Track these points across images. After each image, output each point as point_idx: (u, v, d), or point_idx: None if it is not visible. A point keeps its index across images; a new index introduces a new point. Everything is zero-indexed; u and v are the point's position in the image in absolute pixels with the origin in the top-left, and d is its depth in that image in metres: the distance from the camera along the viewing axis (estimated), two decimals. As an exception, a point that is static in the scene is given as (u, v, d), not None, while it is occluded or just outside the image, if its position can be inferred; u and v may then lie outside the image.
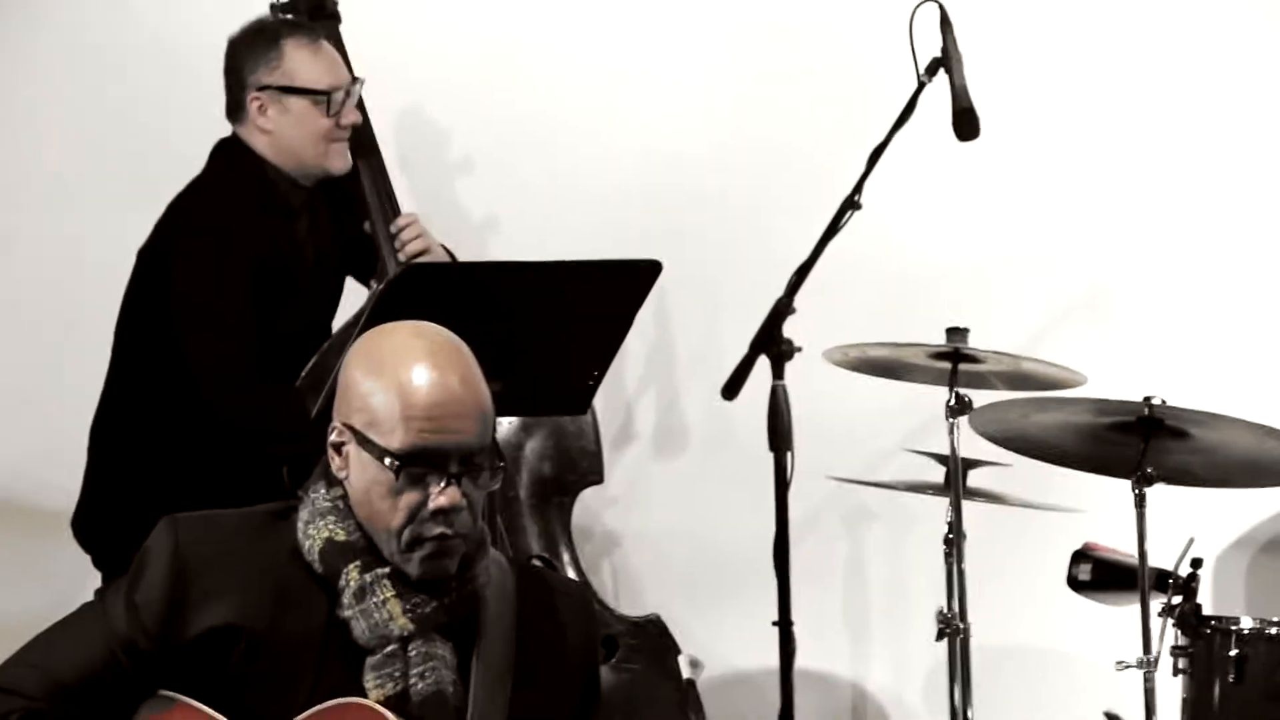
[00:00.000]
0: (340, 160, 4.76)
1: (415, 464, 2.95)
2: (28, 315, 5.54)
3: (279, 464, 3.39)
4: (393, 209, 4.88)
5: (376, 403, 2.97)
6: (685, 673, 4.94)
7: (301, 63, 4.72)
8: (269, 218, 4.71)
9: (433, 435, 2.95)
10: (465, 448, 2.96)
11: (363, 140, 4.86)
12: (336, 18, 4.97)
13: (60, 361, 5.37)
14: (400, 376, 2.97)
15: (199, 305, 4.58)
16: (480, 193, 5.59)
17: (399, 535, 2.97)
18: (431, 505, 2.95)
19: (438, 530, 2.96)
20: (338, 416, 3.04)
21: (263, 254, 4.65)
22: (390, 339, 3.08)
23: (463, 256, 5.00)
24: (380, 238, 4.85)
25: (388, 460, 2.95)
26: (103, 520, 4.71)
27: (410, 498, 2.97)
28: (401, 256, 4.77)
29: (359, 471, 3.00)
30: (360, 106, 4.84)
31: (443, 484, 2.95)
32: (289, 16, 4.93)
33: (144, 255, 4.73)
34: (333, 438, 3.04)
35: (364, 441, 2.98)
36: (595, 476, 5.31)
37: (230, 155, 4.76)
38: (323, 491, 3.05)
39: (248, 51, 4.74)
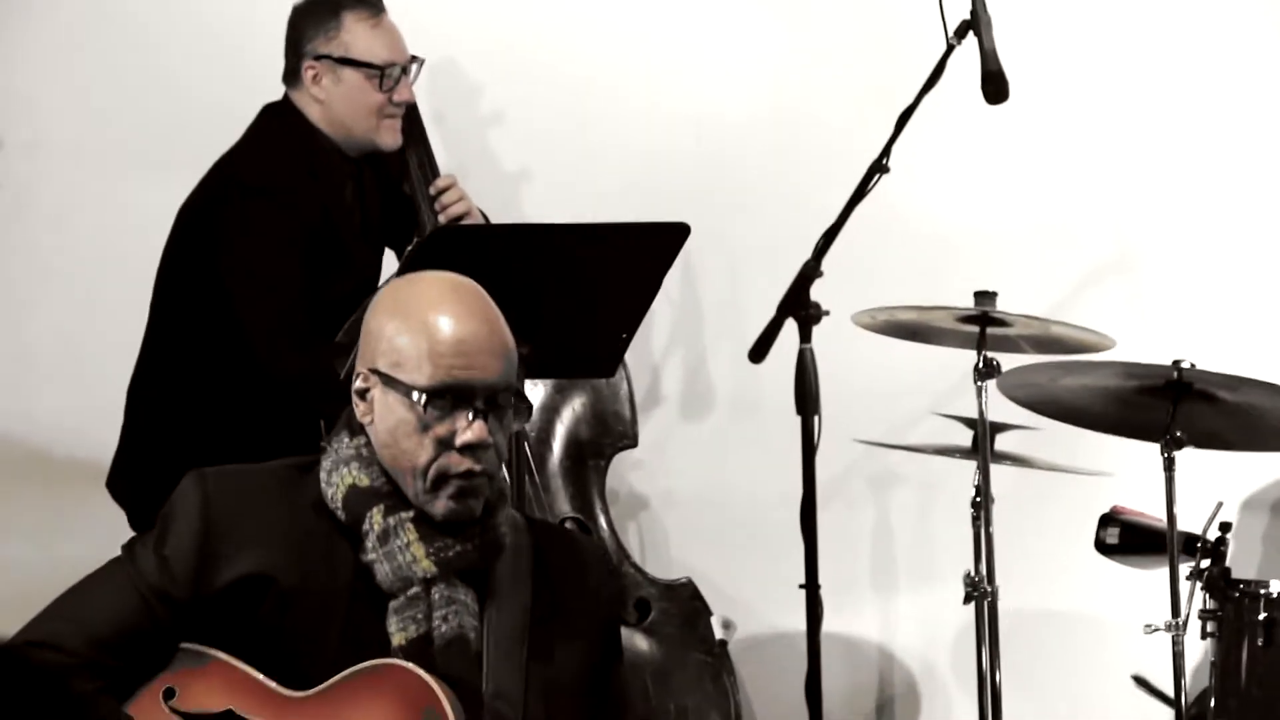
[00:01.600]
0: (391, 136, 4.80)
1: (442, 398, 2.99)
2: (67, 277, 5.54)
3: (322, 419, 3.41)
4: (432, 170, 4.90)
5: (402, 343, 3.01)
6: (718, 634, 5.02)
7: (359, 35, 4.75)
8: (318, 184, 4.74)
9: (460, 371, 2.99)
10: (490, 385, 3.00)
11: (425, 167, 4.92)
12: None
13: (97, 321, 5.37)
14: (426, 317, 3.01)
15: (254, 267, 4.62)
16: (512, 148, 5.59)
17: (425, 472, 3.01)
18: (459, 439, 2.98)
19: (465, 465, 2.99)
20: (362, 364, 3.07)
21: (313, 219, 4.69)
22: (414, 285, 3.13)
23: (493, 211, 5.02)
24: (420, 199, 4.88)
25: (415, 395, 2.99)
26: (139, 478, 4.75)
27: (437, 432, 2.99)
28: (442, 218, 4.81)
29: (384, 413, 3.03)
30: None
31: (470, 418, 2.98)
32: None
33: (187, 213, 4.78)
34: (357, 384, 3.07)
35: (390, 382, 3.01)
36: (629, 441, 5.32)
37: (282, 119, 4.79)
38: (346, 440, 3.08)
39: (308, 19, 4.78)
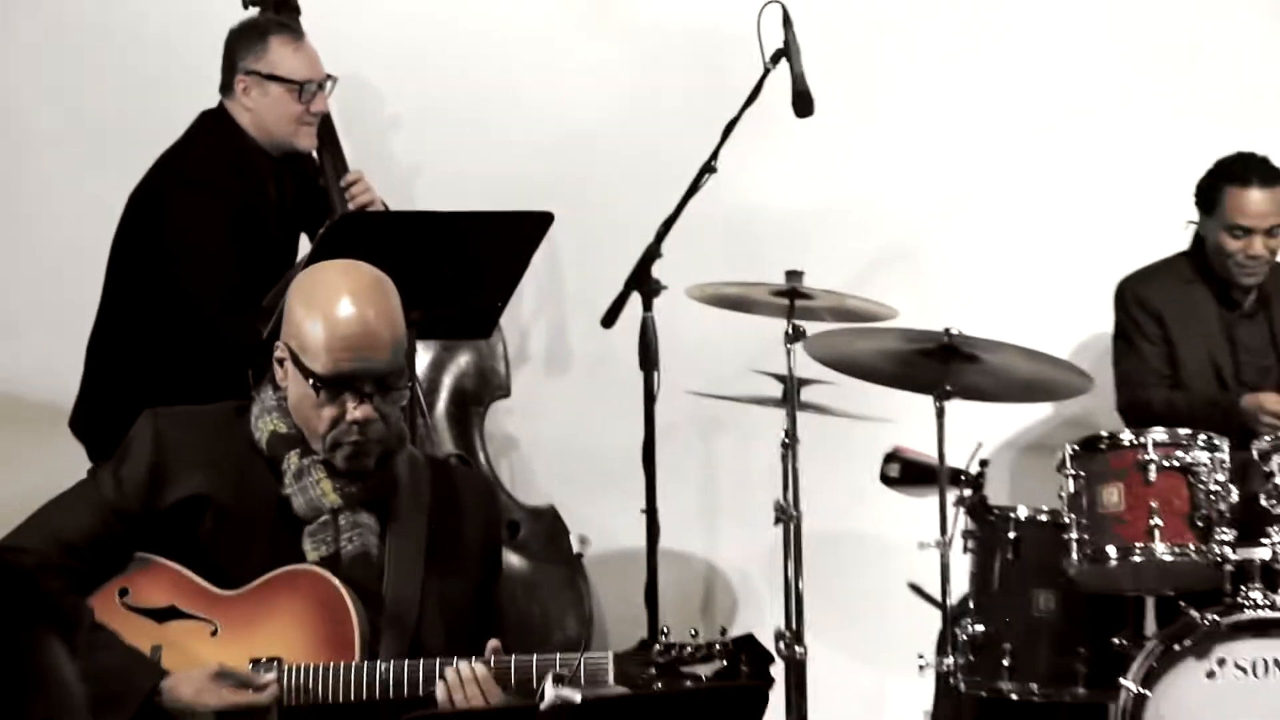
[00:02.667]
0: (308, 140, 4.80)
1: (333, 386, 3.08)
2: (40, 251, 5.52)
3: (250, 369, 3.46)
4: (343, 167, 4.88)
5: (306, 331, 3.09)
6: (576, 548, 5.08)
7: (284, 56, 4.75)
8: (245, 179, 4.74)
9: (349, 364, 3.06)
10: (378, 372, 3.07)
11: (336, 161, 4.90)
12: (297, 9, 4.99)
13: (64, 288, 5.27)
14: (325, 311, 3.07)
15: (192, 244, 4.61)
16: (409, 147, 5.58)
17: (324, 438, 3.11)
18: (348, 418, 3.08)
19: (353, 438, 3.09)
20: (282, 336, 3.15)
21: (239, 207, 4.69)
22: (322, 276, 3.17)
23: (394, 202, 5.02)
24: (332, 191, 4.84)
25: (312, 381, 3.08)
26: (96, 419, 4.74)
27: (330, 411, 3.09)
28: (351, 206, 4.79)
29: (294, 384, 3.13)
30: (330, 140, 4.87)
31: (358, 402, 3.07)
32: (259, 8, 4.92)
33: (135, 199, 4.75)
34: (277, 353, 3.15)
35: (297, 362, 3.11)
36: (504, 391, 5.33)
37: (217, 123, 4.78)
38: (270, 392, 3.18)
39: (241, 40, 4.79)
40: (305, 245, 4.92)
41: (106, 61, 5.42)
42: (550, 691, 2.54)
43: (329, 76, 4.84)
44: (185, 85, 5.00)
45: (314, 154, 4.88)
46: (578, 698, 2.54)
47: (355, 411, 3.07)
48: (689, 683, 3.02)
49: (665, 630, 3.11)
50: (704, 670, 3.01)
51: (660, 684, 3.02)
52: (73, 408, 4.83)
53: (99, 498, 3.15)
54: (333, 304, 3.07)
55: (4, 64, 5.56)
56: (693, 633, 3.08)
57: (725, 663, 3.02)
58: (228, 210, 4.66)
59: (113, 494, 3.14)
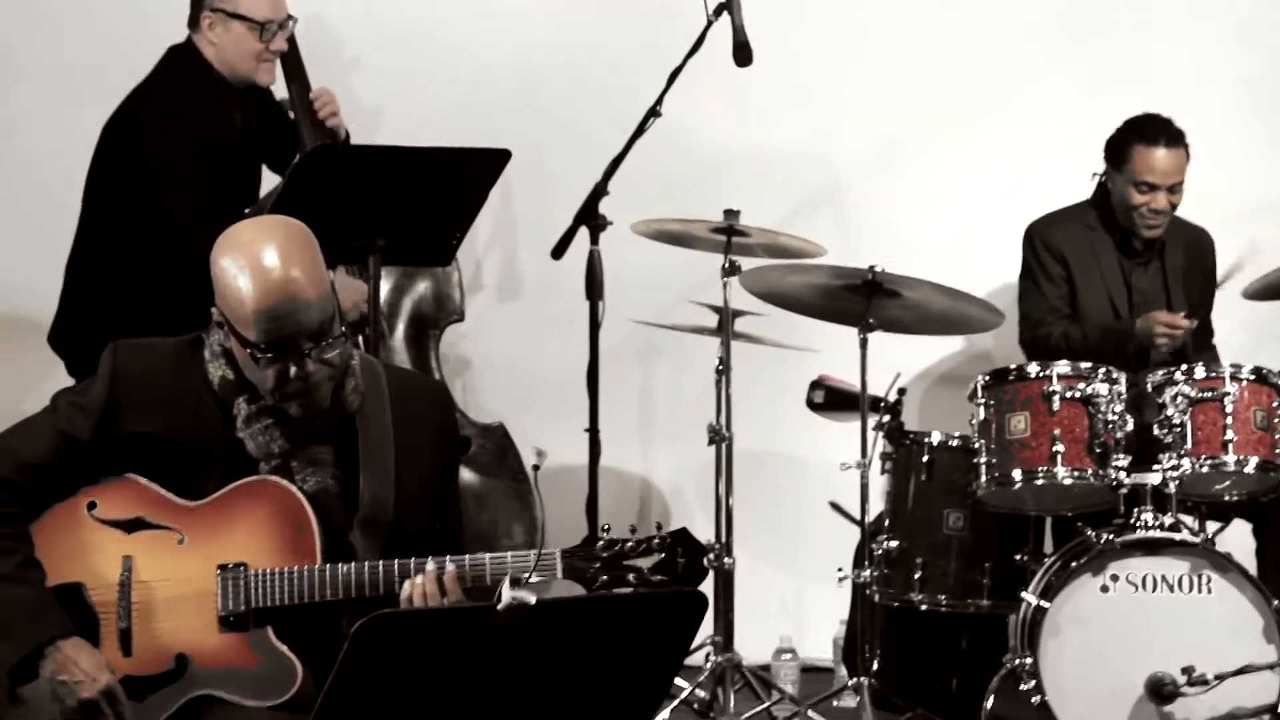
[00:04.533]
0: (267, 75, 4.75)
1: (270, 351, 2.94)
2: (23, 175, 5.44)
3: None
4: (308, 89, 4.84)
5: (233, 301, 2.94)
6: (533, 460, 5.10)
7: None
8: (211, 108, 4.69)
9: (279, 330, 2.92)
10: (309, 329, 2.93)
11: (303, 92, 4.83)
12: None
13: (45, 212, 5.20)
14: (250, 281, 2.91)
15: (170, 169, 4.55)
16: (370, 87, 5.53)
17: (272, 394, 2.99)
18: (291, 375, 2.95)
19: (299, 389, 2.97)
20: (216, 301, 2.98)
21: (209, 133, 4.64)
22: (242, 242, 2.97)
23: (357, 139, 4.95)
24: (302, 125, 4.78)
25: (248, 349, 2.95)
26: (74, 335, 4.68)
27: (272, 371, 2.96)
28: (320, 116, 4.75)
29: (235, 348, 2.99)
30: (329, 131, 4.80)
31: (298, 360, 2.94)
32: None
33: (109, 129, 4.69)
34: (215, 315, 3.01)
35: (231, 330, 2.97)
36: (458, 316, 5.27)
37: (183, 56, 4.75)
38: (218, 336, 3.04)
39: None
40: (268, 175, 4.86)
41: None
42: (507, 592, 2.50)
43: (290, 17, 4.80)
44: (159, 22, 4.92)
45: (283, 87, 4.81)
46: (533, 599, 2.50)
47: (296, 370, 2.96)
48: (631, 575, 2.99)
49: (606, 528, 3.07)
50: (644, 562, 3.00)
51: (605, 576, 2.99)
52: (52, 323, 4.77)
53: (57, 425, 3.04)
54: (255, 273, 2.92)
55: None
56: (632, 529, 3.05)
57: (663, 555, 3.00)
58: (199, 136, 4.60)
59: (70, 423, 3.04)
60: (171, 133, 4.57)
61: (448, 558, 3.00)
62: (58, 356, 4.75)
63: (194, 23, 4.75)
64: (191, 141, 4.57)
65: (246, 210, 4.62)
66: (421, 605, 2.94)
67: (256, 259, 2.93)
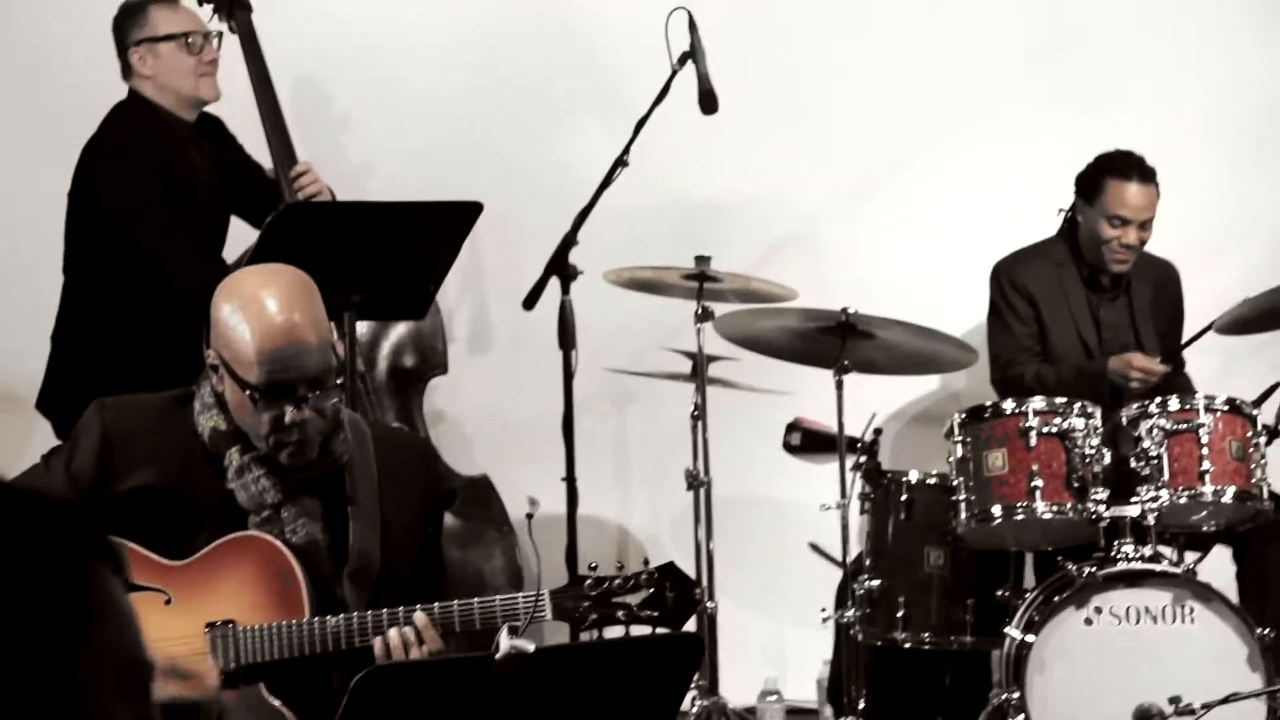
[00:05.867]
0: (209, 90, 4.67)
1: (269, 395, 2.93)
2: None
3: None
4: (291, 159, 4.77)
5: (237, 343, 2.92)
6: (526, 509, 5.07)
7: (163, 18, 4.66)
8: (163, 144, 4.61)
9: (281, 373, 2.91)
10: (309, 375, 2.93)
11: (267, 105, 4.77)
12: (248, 8, 4.88)
13: (25, 278, 5.17)
14: (253, 323, 2.91)
15: (130, 211, 4.50)
16: (356, 143, 5.53)
17: (266, 440, 2.96)
18: (287, 420, 2.94)
19: (295, 437, 2.95)
20: (213, 344, 2.97)
21: (163, 169, 4.56)
22: (245, 286, 2.98)
23: (342, 193, 4.92)
24: (283, 182, 4.74)
25: (248, 392, 2.93)
26: (63, 396, 4.62)
27: (269, 416, 2.94)
28: (300, 196, 4.71)
29: (231, 391, 2.97)
30: (266, 79, 4.76)
31: (295, 406, 2.93)
32: (211, 3, 4.84)
33: (72, 194, 4.65)
34: (209, 359, 2.99)
35: (230, 372, 2.95)
36: (440, 369, 5.22)
37: (126, 104, 4.69)
38: (208, 388, 3.02)
39: (124, 20, 4.70)
40: (239, 226, 4.83)
41: (54, 64, 5.31)
42: (504, 642, 2.47)
43: (211, 31, 4.75)
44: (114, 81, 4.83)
45: (269, 145, 4.79)
46: (531, 647, 2.47)
47: (292, 415, 2.93)
48: (621, 612, 2.97)
49: (594, 566, 3.04)
50: (632, 599, 2.98)
51: (595, 614, 2.96)
52: (40, 388, 4.72)
53: (50, 486, 3.00)
54: (259, 316, 2.91)
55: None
56: (619, 566, 3.03)
57: (652, 590, 2.98)
58: (153, 170, 4.55)
59: (63, 484, 3.00)
60: (124, 174, 4.54)
61: (435, 605, 2.97)
62: (46, 419, 4.68)
63: (126, 70, 4.70)
64: (147, 178, 4.53)
65: (230, 263, 4.57)
66: (400, 656, 2.91)
67: (261, 302, 2.92)
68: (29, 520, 1.14)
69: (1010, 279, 5.08)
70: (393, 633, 2.94)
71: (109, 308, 4.60)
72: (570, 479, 4.77)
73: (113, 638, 1.16)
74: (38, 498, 1.16)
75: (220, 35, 4.74)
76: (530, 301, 4.76)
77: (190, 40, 4.66)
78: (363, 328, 4.95)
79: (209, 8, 4.86)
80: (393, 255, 4.23)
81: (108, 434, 3.02)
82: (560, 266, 4.74)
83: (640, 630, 3.01)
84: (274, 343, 2.90)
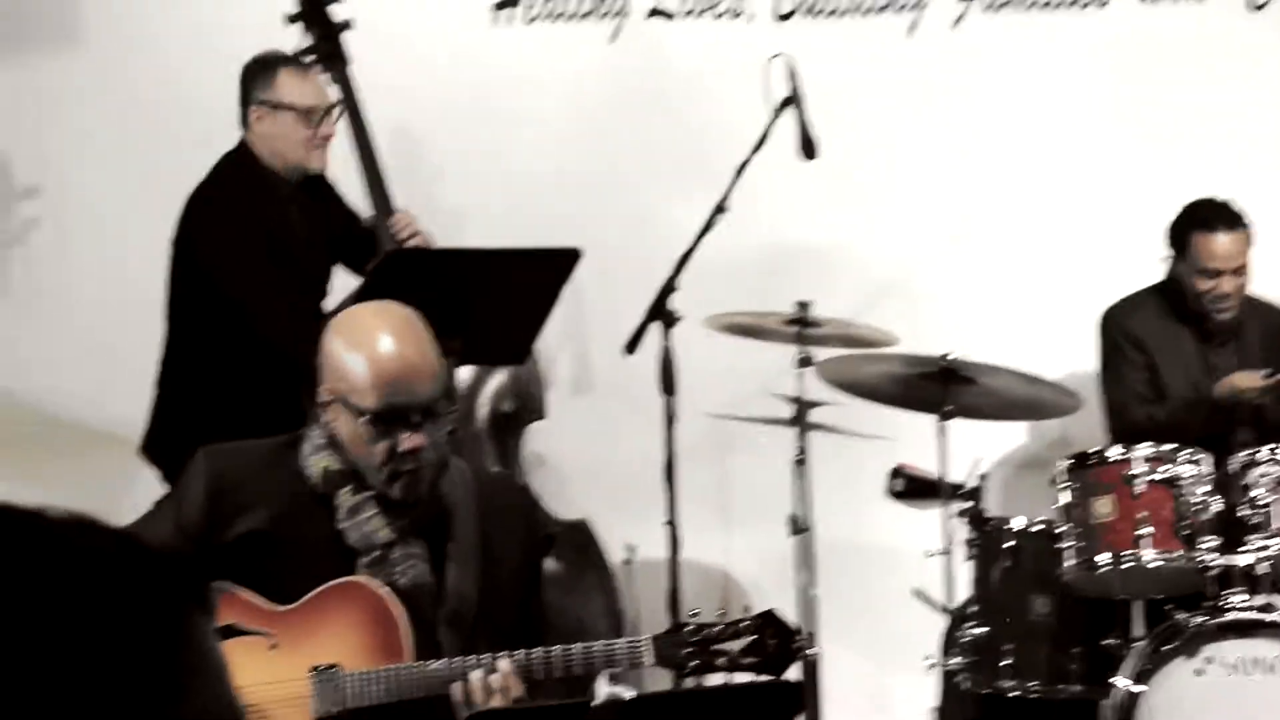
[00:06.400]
0: (319, 162, 4.72)
1: (384, 420, 2.97)
2: (99, 289, 5.42)
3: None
4: (389, 207, 4.78)
5: (352, 373, 2.98)
6: (623, 555, 5.02)
7: (291, 86, 4.69)
8: (266, 203, 4.64)
9: (396, 397, 2.96)
10: (423, 402, 2.98)
11: (365, 153, 4.77)
12: (346, 60, 4.88)
13: (125, 326, 5.16)
14: (368, 351, 2.97)
15: (235, 269, 4.52)
16: (452, 191, 5.54)
17: (379, 470, 2.99)
18: (402, 448, 2.97)
19: (409, 466, 2.98)
20: (324, 380, 3.02)
21: (265, 228, 4.59)
22: (359, 319, 3.08)
23: (440, 241, 4.90)
24: (380, 231, 4.74)
25: (364, 419, 2.97)
26: (167, 445, 4.63)
27: (384, 445, 2.97)
28: (401, 239, 4.70)
29: (344, 425, 3.01)
30: (364, 128, 4.75)
31: (409, 432, 2.97)
32: (311, 54, 4.82)
33: (176, 242, 4.67)
34: (322, 397, 3.03)
35: (345, 403, 2.99)
36: (539, 414, 5.23)
37: (235, 156, 4.72)
38: (318, 431, 3.06)
39: (253, 75, 4.73)
40: (341, 275, 4.86)
41: (154, 115, 5.35)
42: (603, 689, 2.46)
43: (335, 104, 4.77)
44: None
45: (369, 193, 4.79)
46: (629, 694, 2.46)
47: (408, 441, 2.97)
48: (721, 659, 2.96)
49: (696, 612, 3.04)
50: (733, 645, 2.97)
51: (696, 661, 2.95)
52: (145, 433, 4.73)
53: (160, 535, 3.02)
54: (374, 344, 2.98)
55: (61, 116, 5.51)
56: (720, 612, 3.02)
57: (753, 637, 2.96)
58: (254, 232, 4.57)
59: (172, 533, 3.03)
60: (226, 230, 4.55)
61: (537, 650, 2.97)
62: (150, 463, 4.70)
63: (244, 120, 4.72)
64: (246, 236, 4.54)
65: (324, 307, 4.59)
66: (478, 701, 2.91)
67: (376, 331, 3.00)
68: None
69: (1120, 327, 5.04)
70: (474, 677, 2.94)
71: (209, 356, 4.62)
72: (672, 523, 4.74)
73: (209, 693, 1.15)
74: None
75: (341, 107, 4.74)
76: (632, 346, 4.75)
77: (311, 113, 4.68)
78: (465, 374, 5.03)
79: (310, 59, 4.87)
80: (492, 301, 4.25)
81: (215, 481, 3.05)
82: (661, 312, 4.73)
83: (741, 678, 2.99)
84: (390, 366, 2.96)
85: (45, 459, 5.35)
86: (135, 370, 4.83)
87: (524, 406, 5.20)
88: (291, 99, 4.69)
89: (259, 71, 4.73)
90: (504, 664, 2.94)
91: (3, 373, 5.47)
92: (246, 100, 4.73)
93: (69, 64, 5.50)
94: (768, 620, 3.00)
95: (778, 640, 2.98)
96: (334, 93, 4.80)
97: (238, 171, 4.69)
